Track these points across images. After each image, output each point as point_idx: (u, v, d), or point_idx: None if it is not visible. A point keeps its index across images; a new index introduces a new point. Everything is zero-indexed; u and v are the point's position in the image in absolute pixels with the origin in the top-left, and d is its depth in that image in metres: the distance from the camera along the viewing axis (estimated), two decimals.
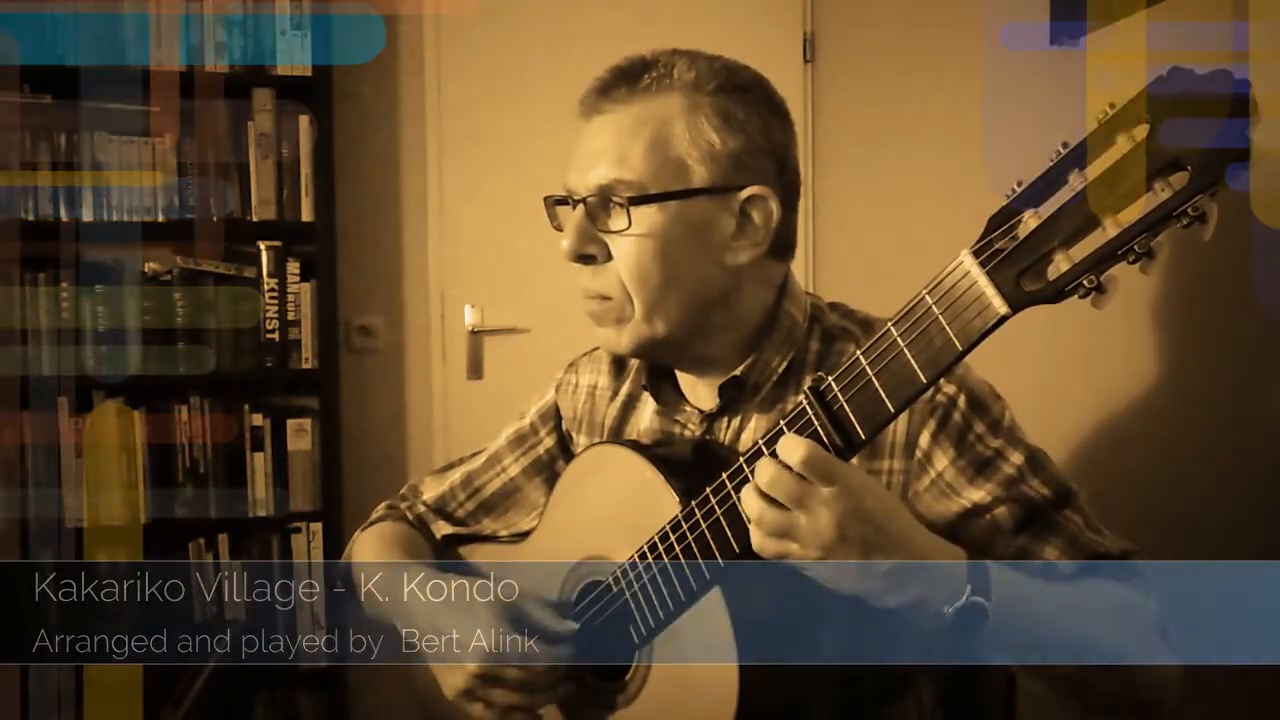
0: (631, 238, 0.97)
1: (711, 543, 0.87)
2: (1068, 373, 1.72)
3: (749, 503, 0.79)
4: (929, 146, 2.21)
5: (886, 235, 2.40)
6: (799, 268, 3.12)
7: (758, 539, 0.79)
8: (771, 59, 2.89)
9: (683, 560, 0.90)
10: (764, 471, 0.77)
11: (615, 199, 0.97)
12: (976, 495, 0.95)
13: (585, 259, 1.01)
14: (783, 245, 1.05)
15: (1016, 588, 0.84)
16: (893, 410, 0.76)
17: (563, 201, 1.05)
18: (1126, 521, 1.55)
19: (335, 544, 2.37)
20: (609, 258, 1.00)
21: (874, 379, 0.76)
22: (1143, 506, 1.55)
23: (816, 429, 0.79)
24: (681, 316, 1.00)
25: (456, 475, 1.29)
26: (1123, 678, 0.90)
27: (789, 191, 1.04)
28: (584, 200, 0.99)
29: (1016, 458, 0.96)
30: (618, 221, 0.98)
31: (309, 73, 2.37)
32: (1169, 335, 1.52)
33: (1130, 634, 0.90)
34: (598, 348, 1.25)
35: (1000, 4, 1.94)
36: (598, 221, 0.99)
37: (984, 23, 2.01)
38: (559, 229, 1.05)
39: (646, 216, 0.97)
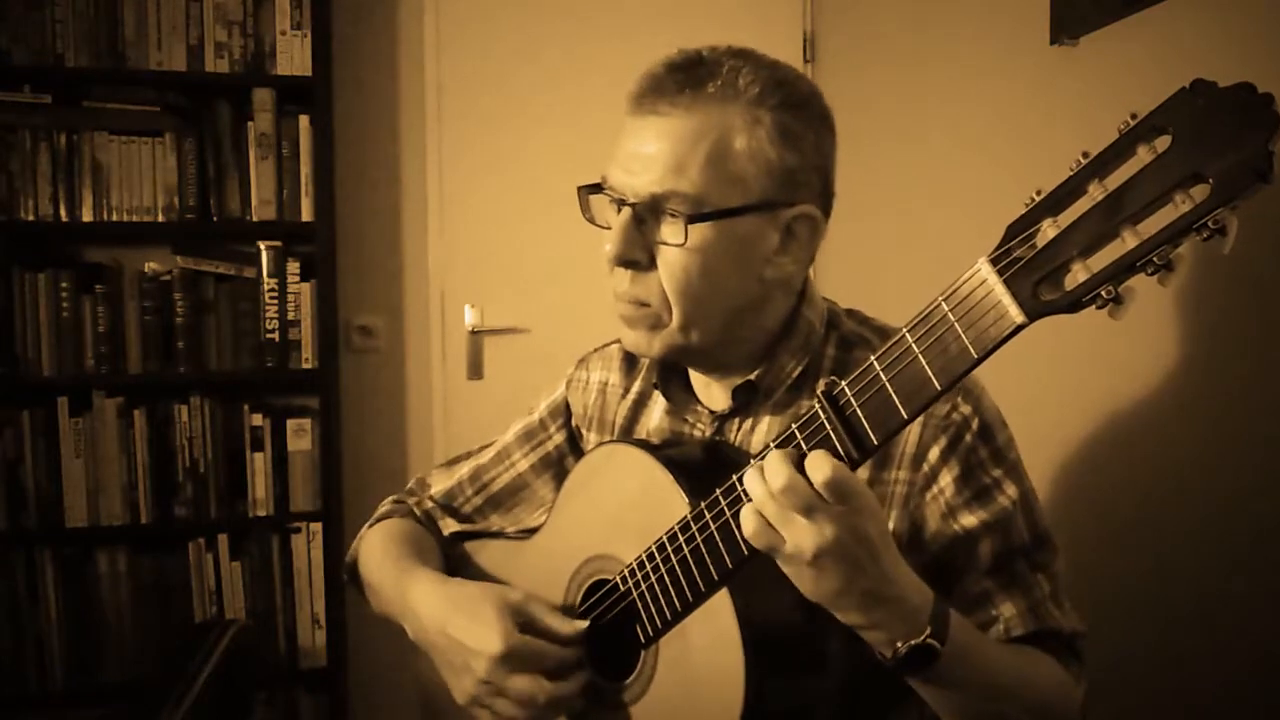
0: (681, 250, 0.96)
1: (720, 544, 0.87)
2: (1067, 372, 1.72)
3: (753, 489, 0.78)
4: (929, 146, 2.21)
5: (886, 235, 2.40)
6: None
7: (754, 528, 0.78)
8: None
9: (690, 561, 0.90)
10: (778, 476, 0.76)
11: (671, 211, 0.95)
12: (969, 521, 0.97)
13: (629, 264, 0.99)
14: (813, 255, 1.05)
15: (969, 638, 0.86)
16: (906, 417, 0.75)
17: (595, 189, 1.02)
18: (1125, 522, 1.56)
19: (335, 544, 2.38)
20: (652, 265, 0.98)
21: (888, 384, 0.75)
22: (1142, 507, 1.55)
23: (829, 433, 0.79)
24: (716, 327, 1.00)
25: (465, 469, 1.29)
26: None
27: (828, 207, 1.03)
28: (633, 205, 0.97)
29: (1012, 491, 0.98)
30: (669, 233, 0.96)
31: (309, 73, 2.37)
32: (1171, 336, 1.52)
33: (1052, 714, 0.93)
34: (609, 344, 1.24)
35: (1001, 4, 1.94)
36: (645, 228, 0.97)
37: (984, 22, 2.01)
38: (591, 220, 1.04)
39: (699, 231, 0.95)
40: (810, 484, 0.75)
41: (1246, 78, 0.61)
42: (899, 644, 0.80)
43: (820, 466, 0.75)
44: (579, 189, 1.04)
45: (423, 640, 1.10)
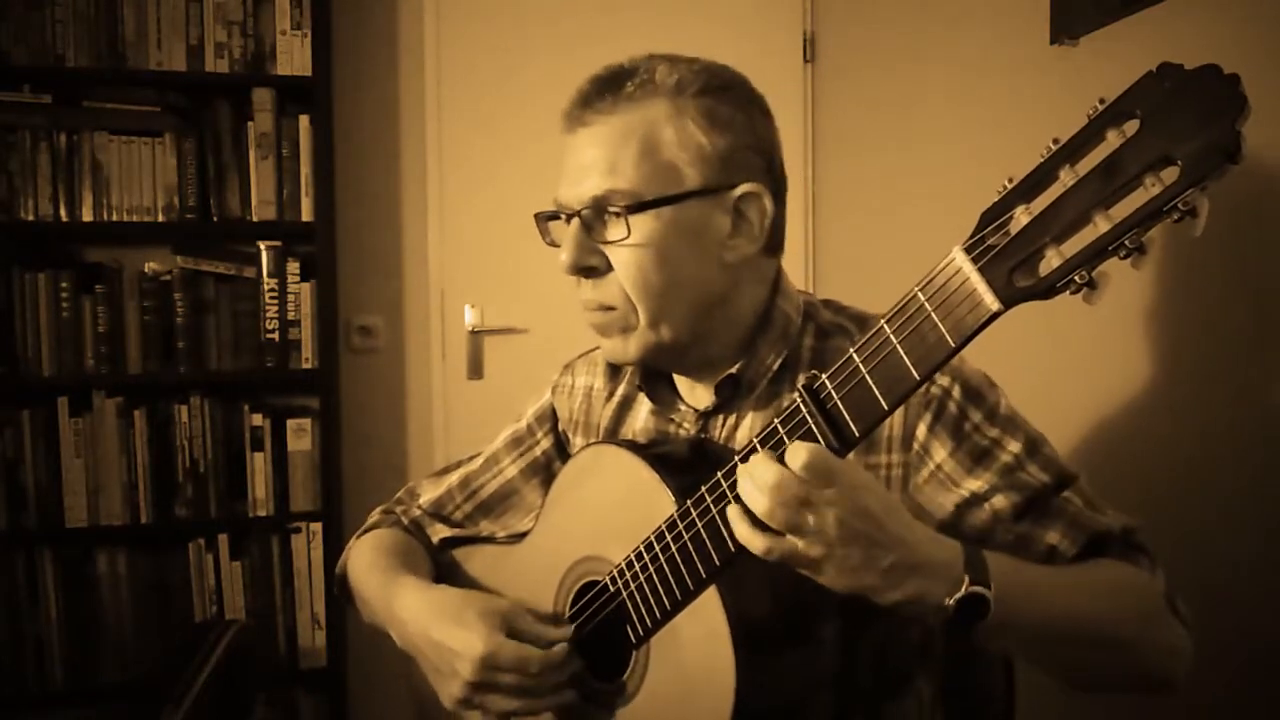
0: (630, 247, 0.97)
1: (707, 541, 0.87)
2: (1064, 375, 1.72)
3: (753, 500, 0.78)
4: (929, 146, 2.21)
5: (886, 235, 2.40)
6: (799, 267, 3.12)
7: (761, 544, 0.78)
8: (771, 59, 2.91)
9: (678, 559, 0.89)
10: (767, 473, 0.76)
11: (611, 209, 0.97)
12: (975, 485, 0.95)
13: (585, 271, 1.01)
14: (774, 241, 1.05)
15: (1017, 574, 0.83)
16: (886, 408, 0.75)
17: (554, 216, 1.05)
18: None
19: (335, 544, 2.37)
20: (609, 268, 1.00)
21: (867, 376, 0.75)
22: (1141, 508, 1.55)
23: (811, 427, 0.78)
24: (686, 320, 1.01)
25: (454, 477, 1.29)
26: (1134, 656, 0.89)
27: (778, 186, 1.04)
28: (579, 213, 0.99)
29: (1014, 445, 0.97)
30: (615, 232, 0.98)
31: (309, 73, 2.37)
32: (1166, 336, 1.52)
33: (1136, 611, 0.90)
34: (593, 349, 1.25)
35: (1000, 4, 1.94)
36: (594, 233, 0.99)
37: (984, 23, 2.01)
38: (552, 244, 1.05)
39: (644, 224, 0.97)
40: (796, 475, 0.75)
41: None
42: (947, 601, 0.78)
43: (798, 454, 0.75)
44: (536, 217, 1.07)
45: (409, 647, 1.11)
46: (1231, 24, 1.41)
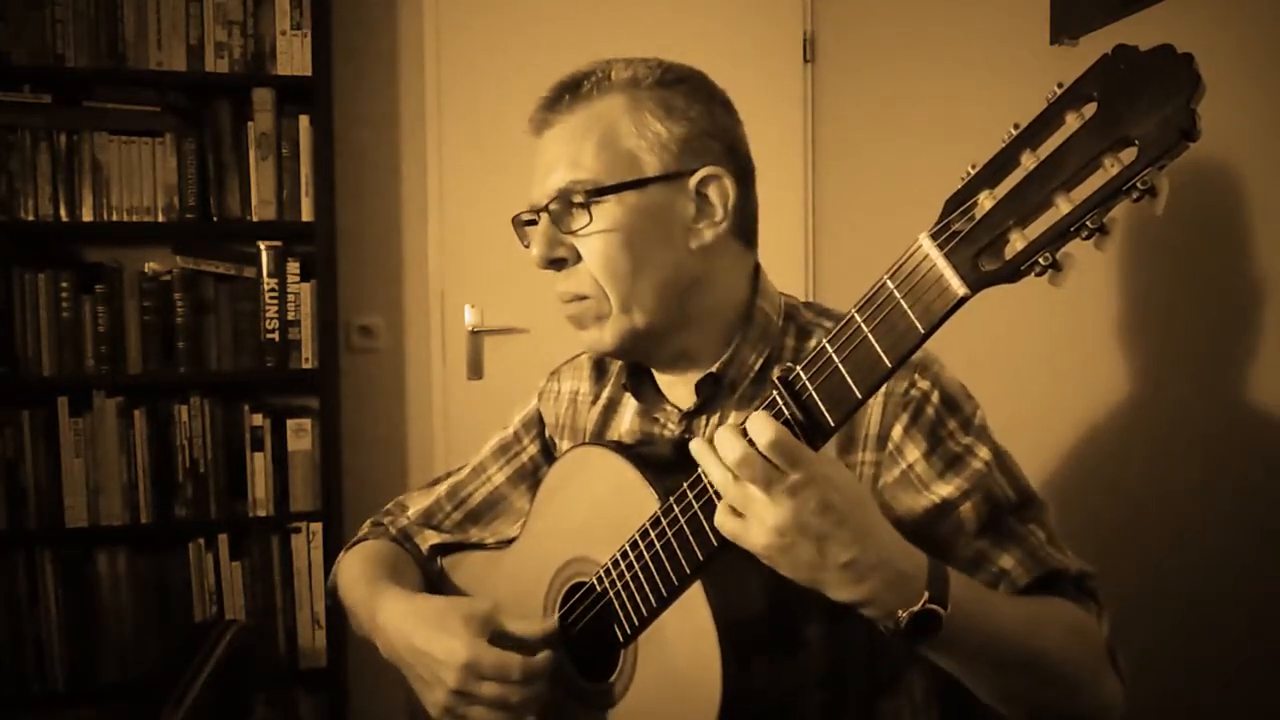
0: (597, 235, 1.00)
1: (691, 538, 0.87)
2: (1064, 376, 1.72)
3: (714, 474, 0.79)
4: (930, 146, 2.21)
5: (886, 235, 2.39)
6: (799, 267, 3.12)
7: (719, 515, 0.80)
8: (771, 59, 2.91)
9: (662, 556, 0.90)
10: (732, 449, 0.77)
11: (575, 199, 1.00)
12: (945, 490, 0.96)
13: (555, 263, 1.04)
14: (745, 227, 1.07)
15: (973, 595, 0.84)
16: (860, 396, 0.75)
17: (531, 223, 1.07)
18: (1115, 529, 1.55)
19: (335, 544, 2.37)
20: (578, 259, 1.02)
21: (840, 366, 0.76)
22: (1134, 513, 1.55)
23: (787, 417, 0.79)
24: (657, 304, 1.02)
25: (442, 488, 1.30)
26: (1070, 698, 0.90)
27: (742, 171, 1.06)
28: (545, 207, 1.02)
29: (985, 454, 0.98)
30: (580, 221, 1.00)
31: (309, 73, 2.37)
32: (1164, 337, 1.52)
33: (1079, 654, 0.91)
34: (578, 355, 1.26)
35: (1000, 4, 1.94)
36: (561, 224, 1.02)
37: (984, 23, 2.01)
38: (529, 247, 1.07)
39: (607, 211, 1.00)
40: (761, 454, 0.75)
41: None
42: (900, 613, 0.78)
43: (763, 429, 0.76)
44: (513, 222, 1.10)
45: (392, 657, 1.10)
46: (1231, 24, 1.41)
